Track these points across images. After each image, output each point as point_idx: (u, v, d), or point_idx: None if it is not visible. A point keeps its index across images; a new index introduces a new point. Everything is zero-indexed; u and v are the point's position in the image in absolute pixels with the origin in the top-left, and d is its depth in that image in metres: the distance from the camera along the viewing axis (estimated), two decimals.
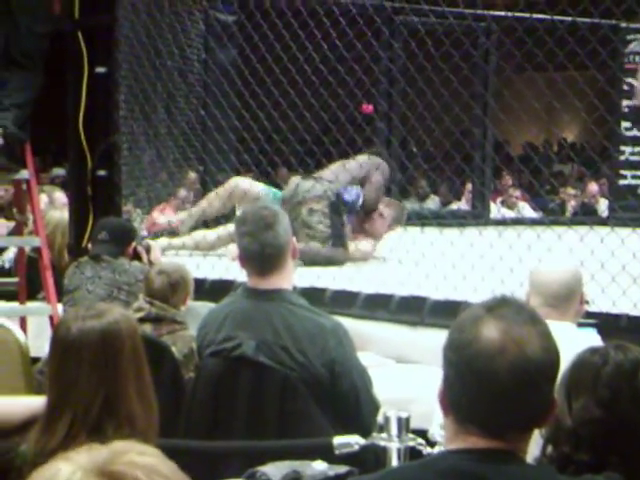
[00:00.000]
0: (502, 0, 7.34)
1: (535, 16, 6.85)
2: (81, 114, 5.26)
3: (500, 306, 1.77)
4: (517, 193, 10.26)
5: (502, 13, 8.34)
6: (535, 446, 2.00)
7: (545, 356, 1.73)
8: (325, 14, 5.92)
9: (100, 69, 5.30)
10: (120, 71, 5.53)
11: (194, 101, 7.07)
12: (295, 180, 6.30)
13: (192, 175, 7.85)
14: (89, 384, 2.17)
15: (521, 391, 1.71)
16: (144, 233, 6.53)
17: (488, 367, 1.70)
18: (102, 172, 5.34)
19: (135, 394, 2.21)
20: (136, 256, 5.00)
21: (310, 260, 5.67)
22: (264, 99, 6.17)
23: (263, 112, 6.19)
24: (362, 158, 6.40)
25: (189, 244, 6.27)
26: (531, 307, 1.83)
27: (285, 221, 3.33)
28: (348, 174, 6.26)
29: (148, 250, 5.15)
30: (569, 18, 6.33)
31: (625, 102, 9.22)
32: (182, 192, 7.73)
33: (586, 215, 9.09)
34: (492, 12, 8.42)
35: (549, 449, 1.99)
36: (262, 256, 3.23)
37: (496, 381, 1.70)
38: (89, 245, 4.97)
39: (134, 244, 5.00)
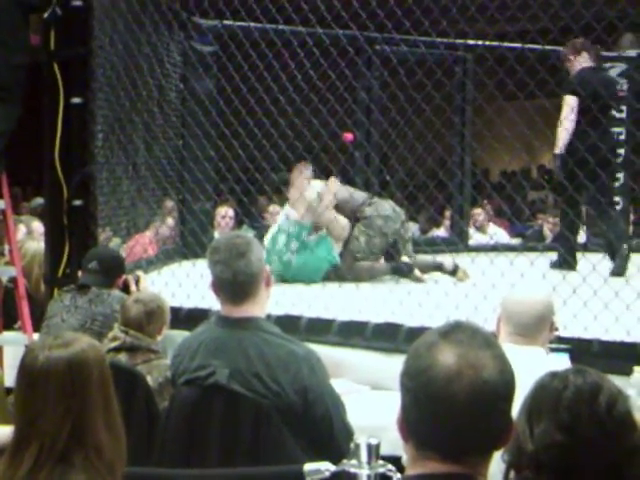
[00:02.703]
0: (493, 30, 7.39)
1: (525, 45, 6.97)
2: (57, 144, 5.28)
3: (454, 331, 1.79)
4: (481, 215, 10.24)
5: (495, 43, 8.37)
6: (498, 471, 2.02)
7: (501, 378, 1.75)
8: (299, 44, 5.96)
9: (76, 100, 5.32)
10: (96, 102, 5.54)
11: (170, 131, 7.08)
12: (388, 203, 6.75)
13: (169, 204, 7.84)
14: (56, 414, 2.17)
15: (479, 414, 1.73)
16: None
17: (445, 392, 1.72)
18: (78, 202, 5.36)
19: (103, 424, 2.21)
20: (125, 289, 4.96)
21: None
22: (242, 130, 6.19)
23: (239, 141, 6.21)
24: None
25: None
26: (485, 330, 1.85)
27: (258, 249, 3.35)
28: None
29: (137, 281, 5.12)
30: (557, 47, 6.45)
31: None
32: (159, 226, 7.70)
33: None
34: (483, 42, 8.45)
35: (511, 474, 2.00)
36: (234, 284, 3.25)
37: (454, 406, 1.72)
38: (79, 273, 4.94)
39: (124, 276, 4.98)
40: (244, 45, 6.07)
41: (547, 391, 2.00)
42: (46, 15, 5.24)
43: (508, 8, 5.51)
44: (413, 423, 1.77)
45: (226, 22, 6.73)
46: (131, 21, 6.10)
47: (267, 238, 6.64)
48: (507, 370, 1.77)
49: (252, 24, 6.28)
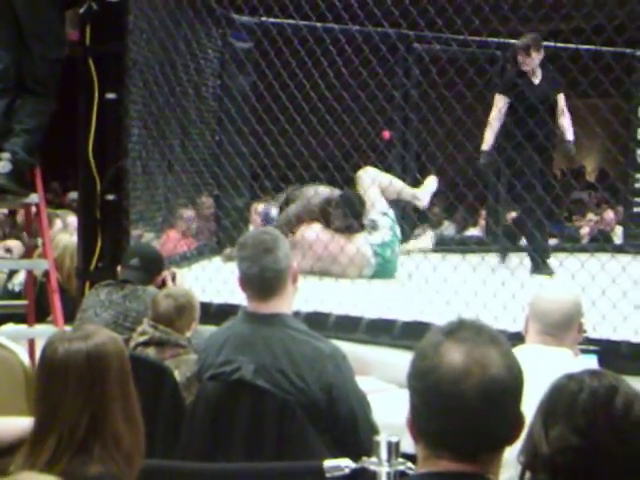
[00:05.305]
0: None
1: (557, 45, 6.93)
2: (91, 139, 5.32)
3: (459, 329, 1.78)
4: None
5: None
6: (514, 472, 2.01)
7: (509, 374, 1.75)
8: (334, 41, 5.97)
9: (110, 95, 5.35)
10: (130, 97, 5.57)
11: (203, 128, 7.11)
12: None
13: (205, 200, 7.84)
14: (75, 405, 2.20)
15: (488, 412, 1.73)
16: None
17: (454, 391, 1.72)
18: (111, 196, 5.39)
19: (121, 415, 2.23)
20: (163, 286, 4.96)
21: None
22: (285, 125, 6.18)
23: (271, 138, 6.22)
24: None
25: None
26: (490, 327, 1.84)
27: (285, 246, 3.35)
28: None
29: (174, 278, 5.13)
30: (592, 47, 6.41)
31: None
32: (187, 213, 7.71)
33: (601, 242, 9.06)
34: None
35: (527, 476, 1.99)
36: (261, 280, 3.25)
37: (463, 404, 1.72)
38: (116, 269, 4.93)
39: (163, 274, 4.95)
40: (278, 42, 6.08)
41: (562, 393, 1.97)
42: (82, 10, 5.27)
43: (563, 6, 5.47)
44: (423, 423, 1.77)
45: (263, 19, 6.76)
46: (166, 17, 6.13)
47: (382, 234, 6.59)
48: (514, 366, 1.77)
49: (286, 21, 6.29)
